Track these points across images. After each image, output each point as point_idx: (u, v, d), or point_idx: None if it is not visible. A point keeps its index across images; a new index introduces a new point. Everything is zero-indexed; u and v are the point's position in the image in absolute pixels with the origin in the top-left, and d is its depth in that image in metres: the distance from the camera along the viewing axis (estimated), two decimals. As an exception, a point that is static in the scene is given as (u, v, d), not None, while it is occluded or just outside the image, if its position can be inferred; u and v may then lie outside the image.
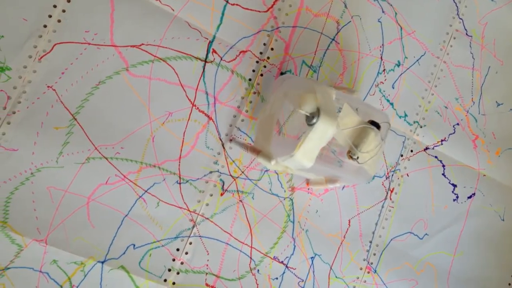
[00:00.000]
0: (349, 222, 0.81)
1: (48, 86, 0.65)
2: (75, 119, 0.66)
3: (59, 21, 0.65)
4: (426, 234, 0.86)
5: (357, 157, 0.62)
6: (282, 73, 0.76)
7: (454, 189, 0.88)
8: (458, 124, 0.88)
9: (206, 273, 0.73)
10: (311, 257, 0.79)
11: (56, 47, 0.65)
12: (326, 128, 0.57)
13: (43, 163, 0.65)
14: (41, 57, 0.65)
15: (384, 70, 0.82)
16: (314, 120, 0.57)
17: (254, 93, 0.75)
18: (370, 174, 0.66)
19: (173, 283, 0.71)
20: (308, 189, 0.78)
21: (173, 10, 0.70)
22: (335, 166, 0.68)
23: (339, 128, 0.60)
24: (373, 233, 0.82)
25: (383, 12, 0.82)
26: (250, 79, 0.75)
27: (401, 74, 0.83)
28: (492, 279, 0.90)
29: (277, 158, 0.63)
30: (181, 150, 0.72)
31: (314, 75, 0.78)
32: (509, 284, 0.92)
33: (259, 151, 0.67)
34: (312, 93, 0.59)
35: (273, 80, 0.75)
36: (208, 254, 0.73)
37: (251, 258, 0.75)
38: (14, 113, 0.64)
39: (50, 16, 0.65)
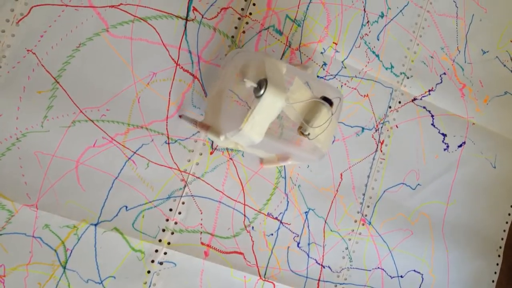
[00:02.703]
0: (341, 175, 0.81)
1: (28, 50, 0.64)
2: (58, 82, 0.66)
3: (34, -17, 0.64)
4: (418, 184, 0.86)
5: (308, 133, 0.60)
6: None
7: (444, 138, 0.88)
8: (444, 73, 0.87)
9: (201, 232, 0.73)
10: (305, 212, 0.79)
11: (33, 9, 0.64)
12: (274, 100, 0.54)
13: (28, 128, 0.64)
14: (18, 21, 0.64)
15: (368, 22, 0.82)
16: (261, 92, 0.54)
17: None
18: (323, 152, 0.64)
19: (168, 243, 0.71)
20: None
21: (150, -32, 0.69)
22: (287, 143, 0.64)
23: (288, 102, 0.57)
24: (366, 185, 0.83)
25: (363, -37, 0.81)
26: (232, 36, 0.74)
27: (385, 25, 0.83)
28: (487, 225, 0.91)
29: (226, 134, 0.60)
30: (168, 110, 0.71)
31: (299, 29, 0.78)
32: (504, 231, 0.93)
33: (209, 127, 0.63)
34: (261, 64, 0.57)
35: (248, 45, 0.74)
36: (201, 213, 0.73)
37: (245, 215, 0.75)
38: (-5, 78, 0.63)
39: (24, -22, 0.64)
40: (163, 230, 0.71)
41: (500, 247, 0.92)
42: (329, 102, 0.61)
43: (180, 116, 0.71)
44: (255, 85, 0.55)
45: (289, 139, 0.64)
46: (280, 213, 0.77)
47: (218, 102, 0.65)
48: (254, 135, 0.56)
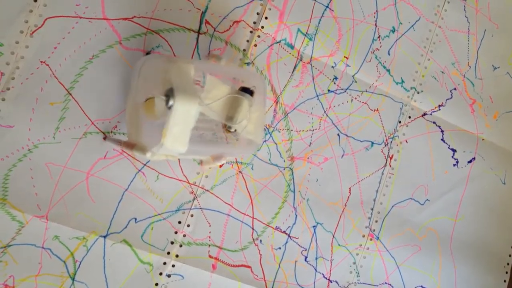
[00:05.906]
0: (350, 190, 0.81)
1: (41, 61, 0.64)
2: (70, 94, 0.66)
3: (49, -5, 0.65)
4: (427, 199, 0.86)
5: (235, 130, 0.58)
6: (147, 53, 0.70)
7: (454, 154, 0.87)
8: (455, 89, 0.87)
9: (209, 245, 0.73)
10: (313, 226, 0.79)
11: (47, 21, 0.65)
12: (187, 107, 0.53)
13: (40, 139, 0.65)
14: (32, 32, 0.64)
15: (379, 36, 0.82)
16: (171, 102, 0.52)
17: (248, 63, 0.75)
18: (257, 143, 0.62)
19: (177, 256, 0.71)
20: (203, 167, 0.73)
21: (164, -19, 0.70)
22: (216, 144, 0.62)
23: (203, 104, 0.56)
24: (374, 200, 0.82)
25: (376, -22, 0.81)
26: (244, 50, 0.75)
27: (396, 40, 0.83)
28: (495, 242, 0.91)
29: (151, 149, 0.57)
30: (179, 122, 0.71)
31: (310, 43, 0.78)
32: (512, 247, 0.92)
33: (134, 145, 0.61)
34: (165, 74, 0.55)
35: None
36: (210, 226, 0.73)
37: (253, 228, 0.75)
38: (8, 89, 0.63)
39: (39, -10, 0.64)
40: (172, 243, 0.71)
41: (508, 264, 0.91)
42: (249, 92, 0.59)
43: (104, 139, 0.68)
44: (164, 98, 0.53)
45: (219, 139, 0.62)
46: (288, 227, 0.77)
47: (136, 117, 0.62)
48: (178, 146, 0.54)
